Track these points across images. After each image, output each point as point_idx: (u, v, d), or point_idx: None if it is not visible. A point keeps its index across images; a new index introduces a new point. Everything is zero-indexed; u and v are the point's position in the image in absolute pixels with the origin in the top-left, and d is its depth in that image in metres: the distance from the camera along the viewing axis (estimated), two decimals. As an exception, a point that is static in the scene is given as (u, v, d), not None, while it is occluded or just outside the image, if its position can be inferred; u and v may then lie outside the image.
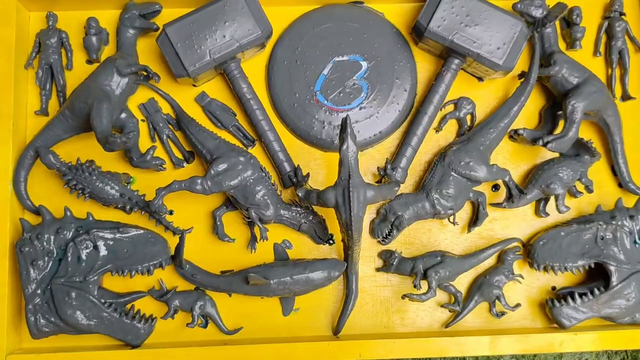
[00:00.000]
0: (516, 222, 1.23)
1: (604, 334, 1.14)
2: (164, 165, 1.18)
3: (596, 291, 1.13)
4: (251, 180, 1.12)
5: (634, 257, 1.14)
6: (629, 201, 1.20)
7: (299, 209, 1.17)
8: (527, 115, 1.24)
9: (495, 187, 1.24)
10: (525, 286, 1.21)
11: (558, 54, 1.19)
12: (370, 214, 1.21)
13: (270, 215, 1.14)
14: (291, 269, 1.13)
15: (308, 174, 1.19)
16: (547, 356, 1.22)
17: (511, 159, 1.24)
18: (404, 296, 1.16)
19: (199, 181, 1.10)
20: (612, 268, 1.13)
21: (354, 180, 1.04)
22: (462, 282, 1.21)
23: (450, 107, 1.24)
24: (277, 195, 1.16)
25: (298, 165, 1.19)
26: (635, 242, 1.15)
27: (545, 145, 1.14)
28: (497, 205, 1.21)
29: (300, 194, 1.11)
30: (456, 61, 1.19)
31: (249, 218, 1.14)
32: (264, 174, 1.14)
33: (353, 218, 1.04)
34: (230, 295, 1.19)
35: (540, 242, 1.17)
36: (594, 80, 1.17)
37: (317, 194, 1.07)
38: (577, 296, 1.14)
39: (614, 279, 1.12)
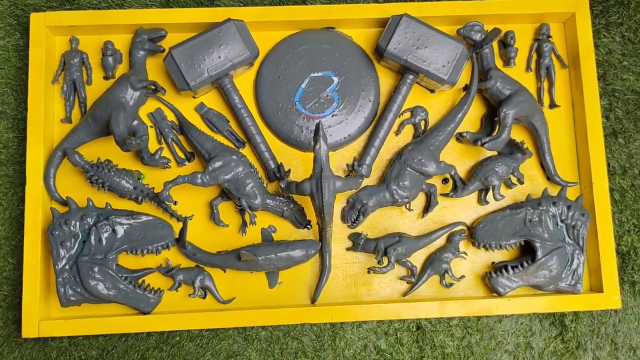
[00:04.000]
0: (462, 209, 1.47)
1: (532, 299, 1.39)
2: (169, 164, 1.41)
3: (525, 264, 1.38)
4: (242, 175, 1.36)
5: (556, 236, 1.39)
6: (555, 191, 1.46)
7: (282, 198, 1.41)
8: (471, 120, 1.49)
9: (445, 180, 1.48)
10: (470, 262, 1.45)
11: (494, 70, 1.44)
12: (341, 203, 1.45)
13: (258, 204, 1.38)
14: (275, 247, 1.37)
15: (289, 170, 1.43)
16: (488, 320, 1.46)
17: (458, 157, 1.49)
18: (369, 269, 1.41)
19: (199, 176, 1.34)
20: (537, 245, 1.37)
21: (325, 173, 1.28)
22: (417, 259, 1.45)
23: (407, 115, 1.49)
24: (264, 187, 1.40)
25: (281, 162, 1.43)
26: (557, 223, 1.40)
27: (483, 145, 1.39)
28: (446, 195, 1.46)
29: (282, 186, 1.35)
30: (411, 76, 1.43)
31: (240, 206, 1.38)
32: (252, 170, 1.38)
33: (325, 204, 1.28)
34: (225, 271, 1.42)
35: (480, 225, 1.42)
36: (523, 91, 1.42)
37: (296, 185, 1.31)
38: (510, 268, 1.38)
39: (539, 254, 1.37)
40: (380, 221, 1.46)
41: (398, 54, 1.40)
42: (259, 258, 1.35)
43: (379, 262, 1.41)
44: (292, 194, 1.36)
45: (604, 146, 1.44)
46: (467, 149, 1.49)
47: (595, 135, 1.45)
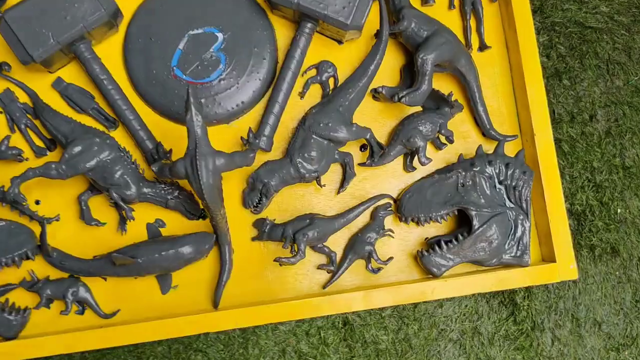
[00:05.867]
0: (387, 179, 1.24)
1: (472, 277, 1.17)
2: (23, 155, 1.16)
3: (460, 237, 1.15)
4: (108, 161, 1.11)
5: (494, 201, 1.16)
6: (493, 148, 1.23)
7: (163, 185, 1.16)
8: (389, 73, 1.26)
9: (363, 147, 1.25)
10: (400, 240, 1.23)
11: (407, 9, 1.20)
12: (240, 183, 1.21)
13: (132, 195, 1.13)
14: (159, 245, 1.13)
15: (170, 150, 1.18)
16: (427, 306, 1.24)
17: (376, 118, 1.25)
18: (275, 260, 1.17)
19: (53, 166, 1.09)
20: (472, 213, 1.15)
21: (201, 150, 1.04)
22: (338, 243, 1.22)
23: (312, 72, 1.25)
24: (139, 174, 1.15)
25: (159, 142, 1.18)
26: (494, 185, 1.17)
27: (400, 100, 1.16)
28: (363, 164, 1.23)
29: (154, 170, 1.10)
30: (309, 25, 1.19)
31: (113, 200, 1.14)
32: (122, 154, 1.13)
33: (204, 187, 1.04)
34: (105, 279, 1.18)
35: (406, 196, 1.19)
36: (443, 32, 1.19)
37: (169, 167, 1.07)
38: (443, 244, 1.16)
39: (475, 223, 1.15)
40: (290, 202, 1.23)
41: (288, -3, 1.15)
42: (139, 260, 1.11)
43: (291, 251, 1.18)
44: (167, 179, 1.11)
45: (544, 90, 1.22)
46: (387, 107, 1.26)
47: (534, 78, 1.22)
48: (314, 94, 1.25)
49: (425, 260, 1.16)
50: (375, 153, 1.20)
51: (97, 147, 1.11)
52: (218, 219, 1.10)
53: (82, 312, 1.17)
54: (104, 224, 1.19)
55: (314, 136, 1.16)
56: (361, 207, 1.21)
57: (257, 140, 1.18)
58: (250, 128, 1.19)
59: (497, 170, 1.18)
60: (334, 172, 1.24)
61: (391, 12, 1.22)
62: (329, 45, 1.26)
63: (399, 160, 1.24)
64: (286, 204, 1.23)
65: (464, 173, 1.16)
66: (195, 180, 1.04)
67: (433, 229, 1.23)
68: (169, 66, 1.20)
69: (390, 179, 1.24)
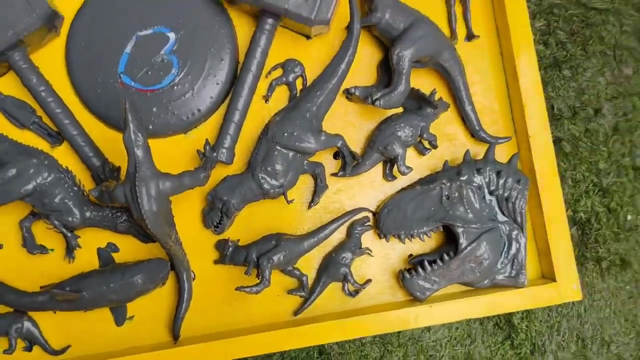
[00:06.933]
0: (364, 190, 1.11)
1: (461, 301, 1.04)
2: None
3: (446, 257, 1.02)
4: (47, 184, 1.00)
5: (484, 215, 1.03)
6: (483, 153, 1.09)
7: (110, 209, 1.04)
8: (363, 70, 1.12)
9: (338, 154, 1.11)
10: (381, 258, 1.10)
11: (380, -1, 1.05)
12: (200, 201, 1.09)
13: (75, 221, 1.01)
14: (107, 276, 1.02)
15: (119, 168, 1.06)
16: (413, 330, 1.11)
17: (353, 121, 1.12)
18: (237, 289, 1.04)
19: (-16, 193, 0.98)
20: (459, 230, 1.02)
21: (142, 173, 0.91)
22: (311, 264, 1.10)
23: (277, 72, 1.11)
24: (82, 197, 1.03)
25: (106, 158, 1.06)
26: (484, 197, 1.03)
27: (374, 103, 1.02)
28: (337, 174, 1.09)
29: (94, 194, 0.97)
30: (269, 20, 1.05)
31: (55, 227, 1.02)
32: (62, 175, 1.01)
33: (145, 215, 0.91)
34: (55, 312, 1.07)
35: (385, 210, 1.06)
36: (421, 23, 1.04)
37: (107, 192, 0.94)
38: (427, 265, 1.03)
39: (462, 241, 1.01)
40: (257, 220, 1.10)
41: (243, -10, 1.01)
42: (84, 294, 1.00)
43: (257, 276, 1.05)
44: (108, 205, 0.99)
45: (540, 83, 1.07)
46: (364, 108, 1.12)
47: (528, 69, 1.08)
48: (281, 97, 1.12)
49: (407, 283, 1.03)
50: (348, 164, 1.06)
51: (33, 169, 1.00)
52: (169, 246, 0.98)
53: (30, 349, 1.07)
54: (51, 250, 1.08)
55: (277, 147, 1.03)
56: (334, 225, 1.08)
57: (215, 154, 1.05)
58: (207, 140, 1.05)
59: (487, 180, 1.03)
60: (305, 184, 1.11)
61: (364, 0, 1.08)
62: (295, 40, 1.12)
63: (379, 167, 1.11)
64: (252, 221, 1.10)
65: (448, 184, 1.02)
66: (136, 209, 0.91)
67: (417, 245, 1.10)
68: (116, 72, 1.08)
69: (368, 189, 1.11)
